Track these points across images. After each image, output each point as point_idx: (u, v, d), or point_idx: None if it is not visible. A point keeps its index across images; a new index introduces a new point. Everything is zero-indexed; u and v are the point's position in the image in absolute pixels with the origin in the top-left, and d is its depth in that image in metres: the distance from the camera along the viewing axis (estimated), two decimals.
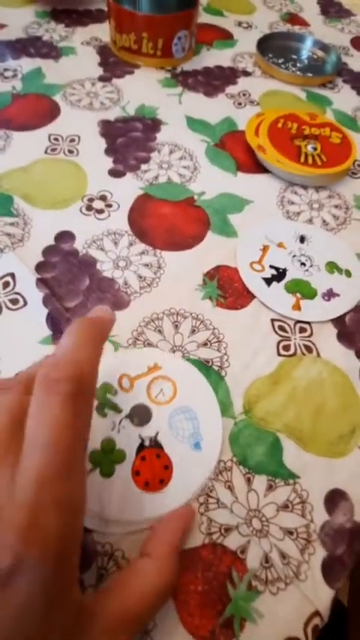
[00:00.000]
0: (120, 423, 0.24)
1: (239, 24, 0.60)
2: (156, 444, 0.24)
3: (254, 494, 0.24)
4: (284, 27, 0.60)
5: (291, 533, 0.23)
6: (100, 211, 0.35)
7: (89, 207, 0.35)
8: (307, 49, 0.55)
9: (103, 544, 0.22)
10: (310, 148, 0.40)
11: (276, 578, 0.21)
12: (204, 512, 0.23)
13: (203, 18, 0.60)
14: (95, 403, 0.25)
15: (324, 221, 0.37)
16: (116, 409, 0.25)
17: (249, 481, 0.24)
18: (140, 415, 0.25)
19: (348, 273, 0.34)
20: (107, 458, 0.23)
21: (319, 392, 0.27)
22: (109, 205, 0.35)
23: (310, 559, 0.22)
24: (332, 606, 0.21)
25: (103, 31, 0.53)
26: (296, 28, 0.61)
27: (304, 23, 0.62)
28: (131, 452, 0.23)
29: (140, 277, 0.31)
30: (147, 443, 0.24)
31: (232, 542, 0.22)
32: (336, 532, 0.23)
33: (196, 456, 0.24)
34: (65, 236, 0.33)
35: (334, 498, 0.24)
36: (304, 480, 0.24)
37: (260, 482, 0.24)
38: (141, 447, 0.24)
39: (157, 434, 0.24)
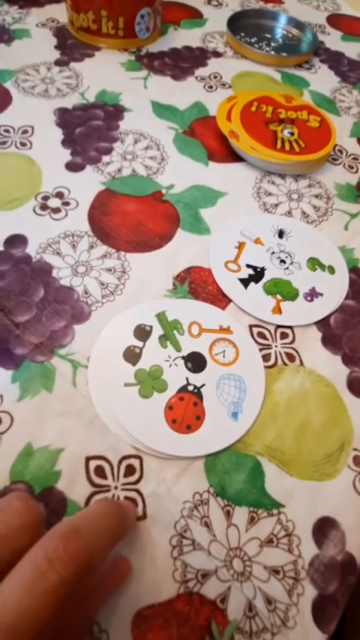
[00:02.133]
0: (175, 359, 0.25)
1: (209, 2, 0.56)
2: (198, 393, 0.24)
3: (234, 529, 0.21)
4: (257, 4, 0.57)
5: (277, 572, 0.20)
6: (57, 210, 0.31)
7: (44, 207, 0.31)
8: (281, 27, 0.52)
9: None
10: (286, 132, 0.37)
11: (261, 629, 0.19)
12: (177, 557, 0.20)
13: None
14: (160, 332, 0.26)
15: (304, 213, 0.34)
16: (177, 347, 0.25)
17: (228, 514, 0.21)
18: (195, 362, 0.25)
19: (331, 270, 0.31)
20: (150, 382, 0.24)
21: (302, 406, 0.25)
22: (67, 203, 0.32)
23: (299, 601, 0.20)
24: None
25: (61, 12, 0.48)
26: (269, 6, 0.57)
27: (277, 0, 0.59)
28: (173, 388, 0.24)
29: (102, 284, 0.28)
30: (190, 387, 0.24)
31: (211, 589, 0.19)
32: (327, 567, 0.21)
33: (229, 425, 0.23)
34: (16, 240, 0.29)
35: (323, 528, 0.21)
36: (289, 509, 0.22)
37: (241, 514, 0.21)
38: (184, 388, 0.24)
39: (202, 385, 0.24)
